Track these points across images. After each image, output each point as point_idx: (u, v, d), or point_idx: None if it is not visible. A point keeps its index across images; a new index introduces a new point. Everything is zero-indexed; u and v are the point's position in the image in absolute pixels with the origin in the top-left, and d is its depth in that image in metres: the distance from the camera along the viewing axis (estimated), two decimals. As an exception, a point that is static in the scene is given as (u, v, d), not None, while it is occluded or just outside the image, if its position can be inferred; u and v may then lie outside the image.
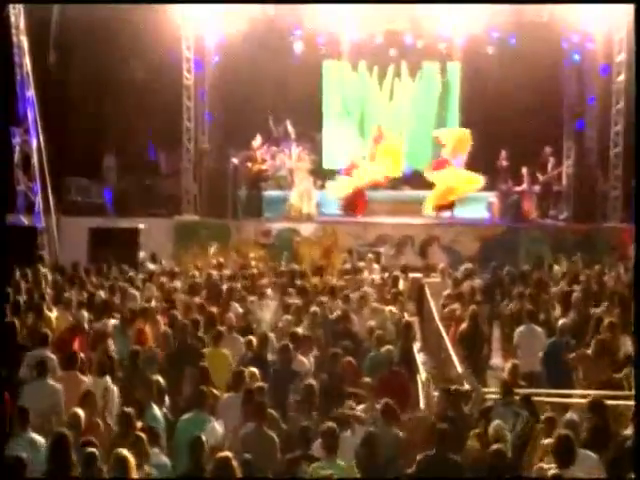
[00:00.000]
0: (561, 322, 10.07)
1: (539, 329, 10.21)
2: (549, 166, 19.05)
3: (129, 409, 7.09)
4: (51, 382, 8.09)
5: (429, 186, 19.27)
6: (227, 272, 13.68)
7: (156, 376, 8.14)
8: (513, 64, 19.38)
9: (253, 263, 14.99)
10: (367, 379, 8.47)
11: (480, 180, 18.78)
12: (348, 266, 14.43)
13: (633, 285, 11.34)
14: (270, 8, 18.55)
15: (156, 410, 7.60)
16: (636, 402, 7.23)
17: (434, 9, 18.56)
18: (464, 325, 10.55)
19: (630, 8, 16.93)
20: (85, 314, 10.42)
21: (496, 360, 11.48)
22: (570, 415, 7.20)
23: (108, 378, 8.18)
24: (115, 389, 8.10)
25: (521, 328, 10.23)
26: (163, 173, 20.68)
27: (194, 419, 7.47)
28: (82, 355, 8.71)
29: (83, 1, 18.16)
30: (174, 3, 17.84)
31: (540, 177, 18.95)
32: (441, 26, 18.98)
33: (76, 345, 9.48)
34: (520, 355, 9.83)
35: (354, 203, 19.04)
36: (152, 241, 17.03)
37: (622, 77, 17.95)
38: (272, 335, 9.79)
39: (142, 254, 16.54)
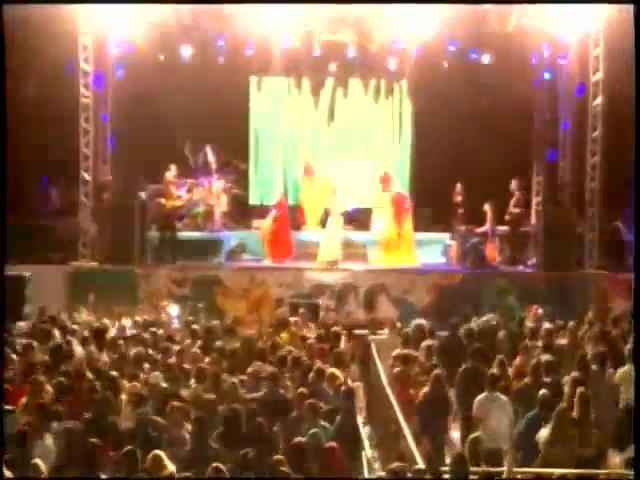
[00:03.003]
0: (542, 393, 10.01)
1: (504, 398, 10.41)
2: (514, 203, 19.32)
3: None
4: None
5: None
6: (134, 331, 13.69)
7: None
8: (473, 82, 19.87)
9: (164, 318, 15.01)
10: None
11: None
12: (279, 321, 14.57)
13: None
14: (187, 14, 18.74)
15: None
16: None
17: (381, 18, 19.00)
18: (424, 391, 10.74)
19: (606, 15, 17.71)
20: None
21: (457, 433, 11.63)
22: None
23: None
24: None
25: (481, 397, 10.41)
26: (55, 210, 20.55)
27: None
28: None
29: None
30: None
31: (506, 216, 19.44)
32: (390, 37, 19.37)
33: None
34: (482, 429, 9.91)
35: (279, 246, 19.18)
36: (41, 293, 16.90)
37: (599, 99, 18.37)
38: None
39: (28, 308, 16.41)
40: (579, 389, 9.71)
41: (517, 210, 19.35)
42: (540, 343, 12.63)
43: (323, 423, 9.53)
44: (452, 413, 11.08)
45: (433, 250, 19.72)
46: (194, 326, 13.95)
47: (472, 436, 9.08)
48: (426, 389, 10.72)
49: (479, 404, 10.26)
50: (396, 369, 11.92)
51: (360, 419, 10.82)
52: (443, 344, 13.02)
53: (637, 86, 16.26)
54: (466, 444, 8.98)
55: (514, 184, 19.41)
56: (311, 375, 11.08)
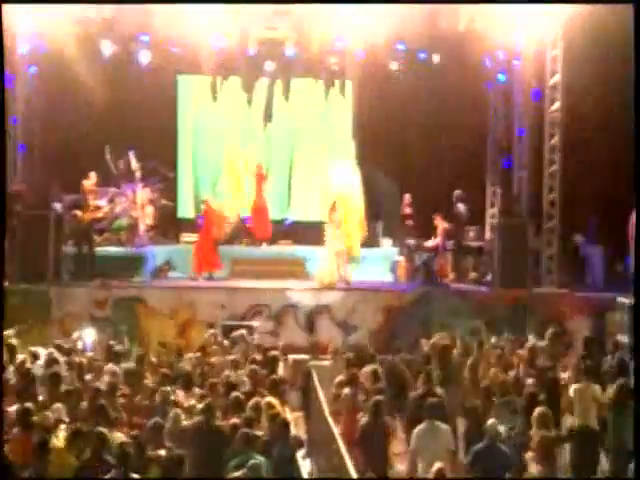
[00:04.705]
0: (490, 422, 10.16)
1: (444, 427, 10.47)
2: (450, 217, 19.35)
3: None
4: None
5: (317, 241, 19.39)
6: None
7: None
8: (423, 85, 19.99)
9: (79, 345, 14.78)
10: None
11: None
12: (211, 346, 14.46)
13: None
14: (107, 7, 18.54)
15: None
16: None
17: (323, 14, 19.02)
18: (363, 420, 10.75)
19: (565, 14, 17.90)
20: None
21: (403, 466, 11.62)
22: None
23: None
24: None
25: (421, 426, 10.38)
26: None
27: None
28: None
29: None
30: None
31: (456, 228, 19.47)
32: (332, 35, 19.36)
33: None
34: (420, 463, 9.95)
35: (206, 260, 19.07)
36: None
37: (557, 104, 18.58)
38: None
39: None
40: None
41: (447, 226, 19.27)
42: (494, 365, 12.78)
43: (258, 457, 9.42)
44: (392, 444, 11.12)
45: (381, 267, 19.73)
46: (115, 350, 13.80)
47: (437, 467, 9.08)
48: (365, 418, 10.74)
49: (416, 435, 10.32)
50: (339, 397, 11.91)
51: (300, 452, 10.75)
52: (389, 369, 13.03)
53: (636, 88, 16.59)
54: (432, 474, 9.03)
55: (455, 195, 19.49)
56: (245, 404, 11.00)
